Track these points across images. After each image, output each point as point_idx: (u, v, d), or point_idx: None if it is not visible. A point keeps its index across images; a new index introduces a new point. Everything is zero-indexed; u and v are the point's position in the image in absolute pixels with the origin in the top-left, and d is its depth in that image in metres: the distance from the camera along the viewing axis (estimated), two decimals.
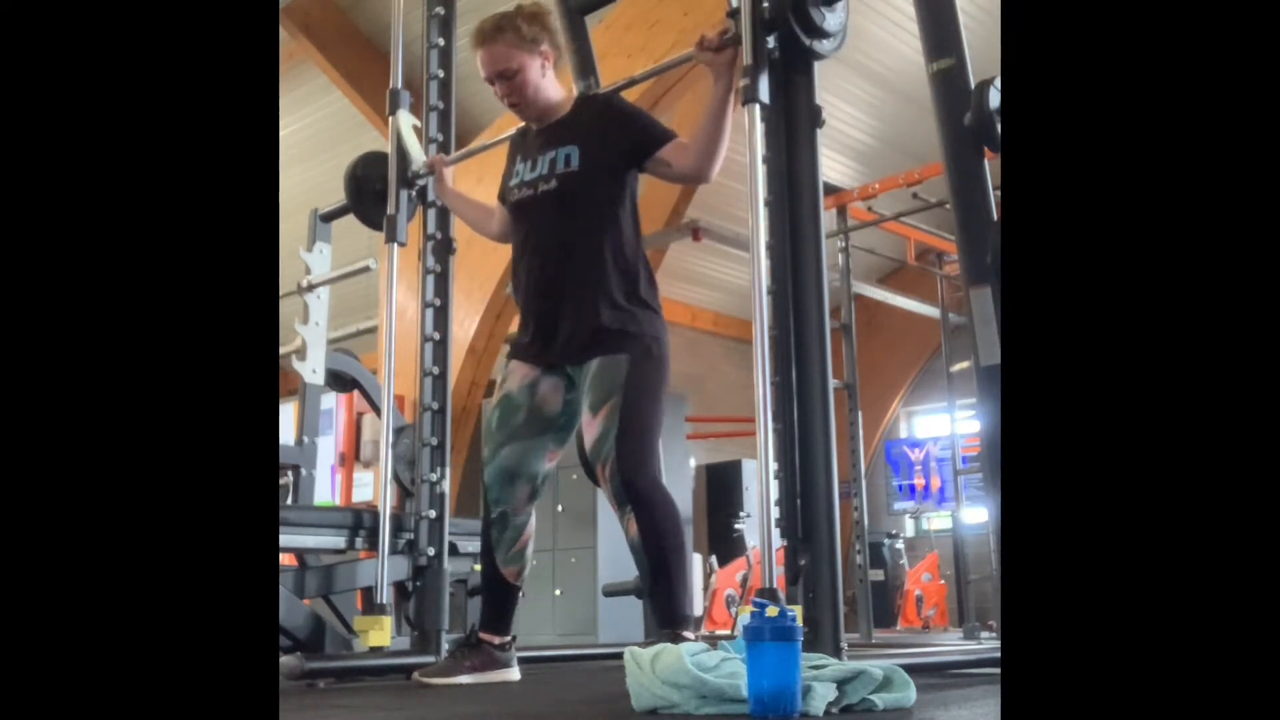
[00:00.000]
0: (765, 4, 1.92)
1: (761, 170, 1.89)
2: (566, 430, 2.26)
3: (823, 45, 1.96)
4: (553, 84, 2.28)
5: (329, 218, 3.28)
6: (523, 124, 2.38)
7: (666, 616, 2.01)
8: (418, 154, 2.74)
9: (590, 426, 2.09)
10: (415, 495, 2.72)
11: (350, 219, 2.96)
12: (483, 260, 6.06)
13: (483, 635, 2.23)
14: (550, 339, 2.19)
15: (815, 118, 1.97)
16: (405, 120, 2.76)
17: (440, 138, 2.88)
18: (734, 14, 1.94)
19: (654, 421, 2.10)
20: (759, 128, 1.89)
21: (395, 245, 2.76)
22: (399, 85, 2.88)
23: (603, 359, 2.10)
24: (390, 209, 2.76)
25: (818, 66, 2.02)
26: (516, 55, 2.20)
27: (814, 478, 1.86)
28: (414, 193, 2.79)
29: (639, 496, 2.01)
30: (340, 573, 2.85)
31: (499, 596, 2.26)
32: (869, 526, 5.73)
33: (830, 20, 1.95)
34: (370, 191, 2.85)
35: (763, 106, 1.90)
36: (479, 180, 5.43)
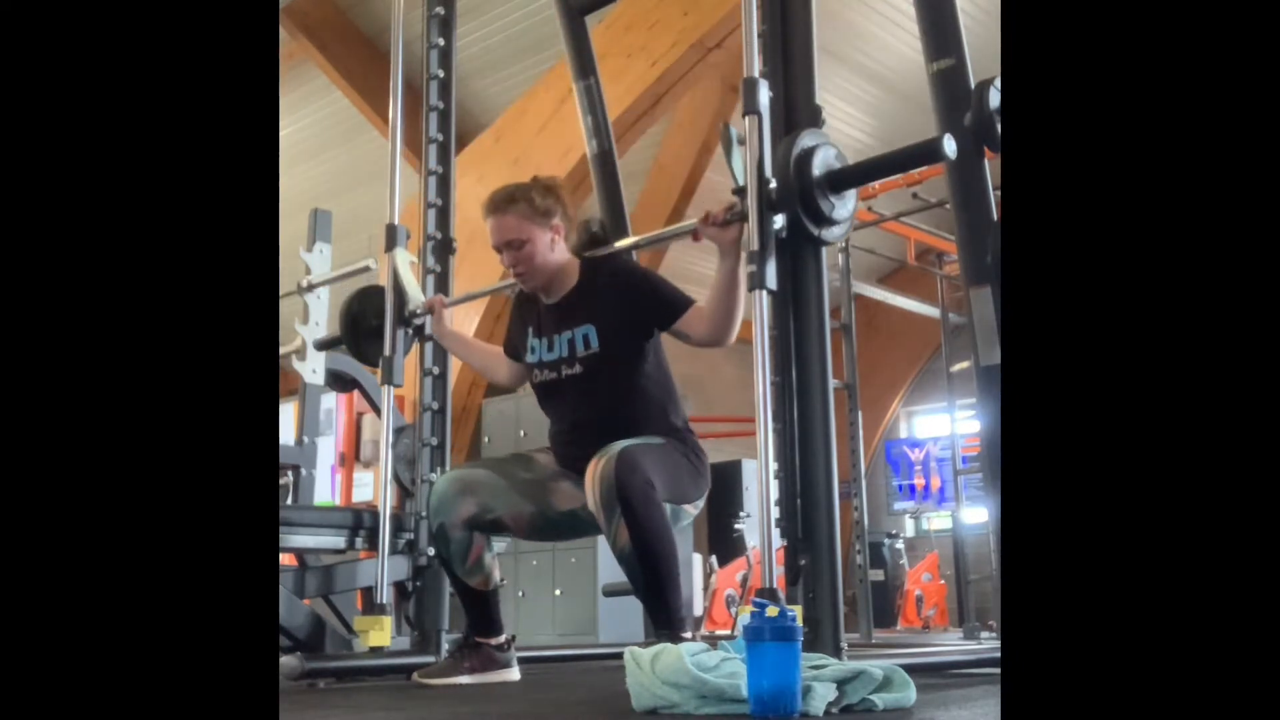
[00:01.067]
0: (772, 187, 1.83)
1: (768, 350, 1.80)
2: (550, 527, 2.24)
3: (830, 232, 1.89)
4: (560, 254, 2.25)
5: (323, 346, 3.20)
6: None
7: (665, 623, 2.00)
8: (415, 293, 2.67)
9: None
10: (415, 495, 2.72)
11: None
12: (483, 260, 6.04)
13: (478, 639, 2.24)
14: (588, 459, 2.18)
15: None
16: (403, 258, 2.69)
17: (440, 138, 2.88)
18: (740, 192, 1.86)
19: (665, 474, 2.06)
20: (766, 312, 1.81)
21: (390, 388, 2.63)
22: (398, 84, 2.86)
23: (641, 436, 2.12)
24: (386, 350, 2.64)
25: (817, 64, 2.00)
26: (526, 227, 2.20)
27: (814, 478, 1.85)
28: (410, 330, 2.70)
29: (629, 500, 1.94)
30: (340, 573, 2.85)
31: (476, 605, 2.25)
32: (869, 526, 5.73)
33: (839, 209, 1.88)
34: (366, 327, 2.75)
35: (770, 293, 1.82)
36: (478, 179, 5.43)
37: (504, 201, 2.21)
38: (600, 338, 2.18)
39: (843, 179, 1.89)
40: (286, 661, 2.25)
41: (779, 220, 1.84)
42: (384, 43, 6.84)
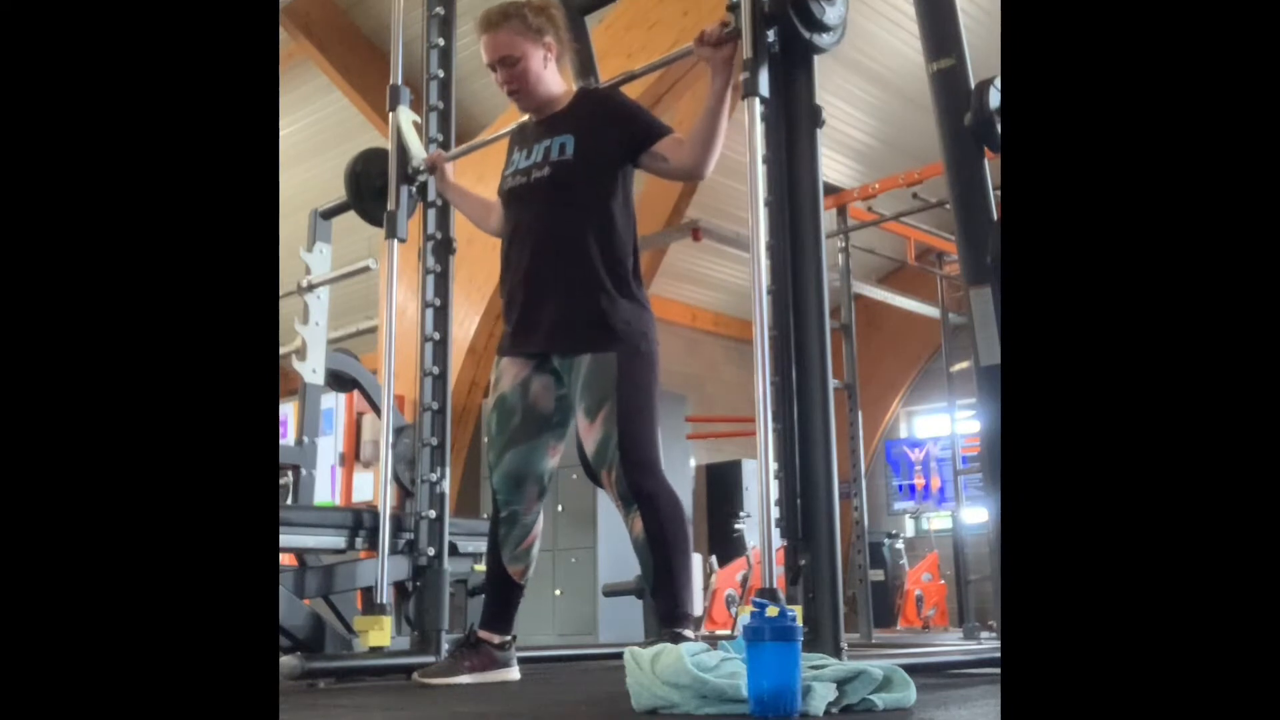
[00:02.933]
0: None
1: (761, 168, 1.88)
2: (563, 425, 2.27)
3: (822, 39, 1.96)
4: (554, 76, 2.28)
5: (329, 214, 3.28)
6: (523, 119, 2.38)
7: (669, 615, 2.01)
8: (418, 150, 2.74)
9: (588, 433, 2.09)
10: (415, 495, 2.72)
11: (351, 220, 2.95)
12: (483, 260, 6.05)
13: (482, 634, 2.23)
14: (534, 327, 2.19)
15: (815, 113, 1.97)
16: (405, 116, 2.76)
17: (440, 138, 2.88)
18: (734, 8, 1.94)
19: (651, 421, 2.11)
20: (759, 121, 1.89)
21: (395, 241, 2.75)
22: (398, 81, 2.88)
23: (591, 358, 2.10)
24: (390, 205, 2.75)
25: (817, 64, 2.02)
26: (520, 43, 2.22)
27: (814, 478, 1.86)
28: (414, 189, 2.79)
29: (645, 496, 2.03)
30: (340, 573, 2.85)
31: (502, 594, 2.26)
32: (869, 526, 5.72)
33: (830, 14, 1.95)
34: (370, 188, 2.85)
35: (762, 100, 1.90)
36: (479, 179, 5.42)
37: (498, 17, 2.24)
38: (576, 146, 2.19)
39: None
40: (286, 661, 2.24)
41: (772, 35, 1.92)
42: (384, 43, 6.84)
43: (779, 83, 1.96)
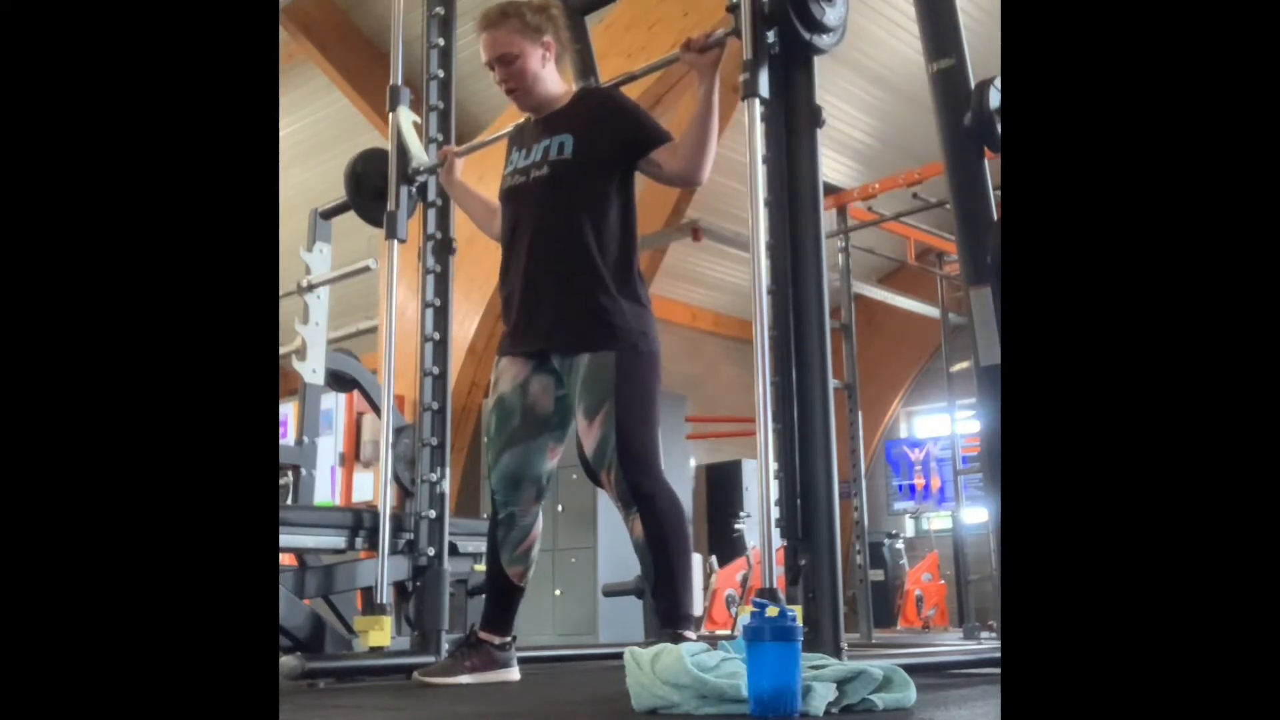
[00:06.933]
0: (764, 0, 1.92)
1: (761, 168, 1.88)
2: (563, 428, 2.26)
3: (822, 40, 1.96)
4: (552, 76, 2.28)
5: (329, 214, 3.27)
6: (522, 119, 2.39)
7: (670, 616, 2.01)
8: (418, 150, 2.74)
9: (588, 434, 2.09)
10: (415, 495, 2.72)
11: (351, 220, 2.95)
12: (482, 260, 6.06)
13: (483, 634, 2.23)
14: (533, 326, 2.19)
15: (815, 115, 1.97)
16: (405, 116, 2.76)
17: (440, 138, 2.88)
18: (734, 8, 1.95)
19: (650, 421, 2.10)
20: (759, 122, 1.89)
21: (395, 242, 2.75)
22: (398, 82, 2.88)
23: (590, 357, 2.10)
24: (390, 205, 2.75)
25: (817, 64, 2.03)
26: (518, 41, 2.22)
27: (814, 478, 1.86)
28: (414, 189, 2.79)
29: (645, 498, 2.03)
30: (340, 573, 2.85)
31: (502, 596, 2.26)
32: (869, 526, 5.72)
33: (830, 15, 1.95)
34: (370, 188, 2.85)
35: (762, 101, 1.90)
36: (479, 179, 5.42)
37: (497, 16, 2.24)
38: (575, 147, 2.19)
39: None
40: (286, 661, 2.24)
41: (771, 35, 1.93)
42: (384, 43, 6.83)
43: (779, 84, 1.95)
